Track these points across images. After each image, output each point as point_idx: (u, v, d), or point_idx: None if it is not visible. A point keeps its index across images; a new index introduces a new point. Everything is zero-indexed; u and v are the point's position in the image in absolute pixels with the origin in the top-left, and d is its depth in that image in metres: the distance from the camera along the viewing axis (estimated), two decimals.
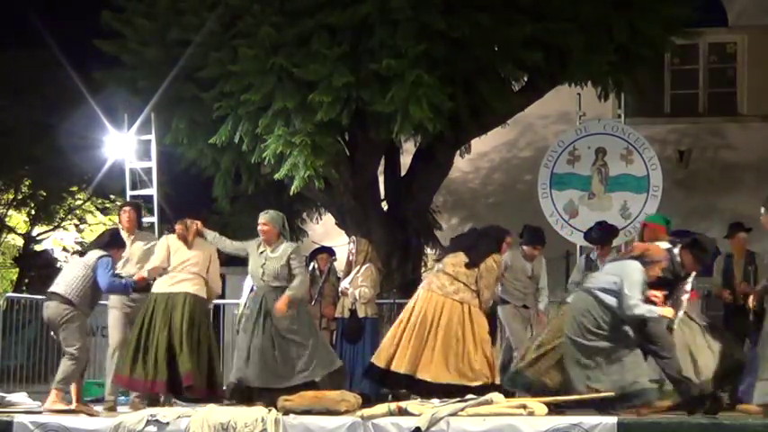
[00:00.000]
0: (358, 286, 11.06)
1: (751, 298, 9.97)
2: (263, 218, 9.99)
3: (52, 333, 9.73)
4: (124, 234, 10.09)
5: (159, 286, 9.98)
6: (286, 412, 8.68)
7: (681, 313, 9.22)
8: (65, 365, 9.48)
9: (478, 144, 15.13)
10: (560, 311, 9.34)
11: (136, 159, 12.63)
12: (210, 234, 10.21)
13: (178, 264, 9.99)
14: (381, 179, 14.18)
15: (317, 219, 16.87)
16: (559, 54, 12.42)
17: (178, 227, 10.08)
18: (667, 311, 8.78)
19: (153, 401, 9.78)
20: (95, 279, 9.61)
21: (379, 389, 10.73)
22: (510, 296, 10.81)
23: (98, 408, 9.78)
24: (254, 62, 12.16)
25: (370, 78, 11.98)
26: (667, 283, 9.06)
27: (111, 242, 9.96)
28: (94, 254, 9.72)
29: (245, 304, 11.44)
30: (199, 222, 10.18)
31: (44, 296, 9.81)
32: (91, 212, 20.93)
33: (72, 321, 9.52)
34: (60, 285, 9.60)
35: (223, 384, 10.18)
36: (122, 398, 10.63)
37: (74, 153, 16.87)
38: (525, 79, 13.32)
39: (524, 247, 10.77)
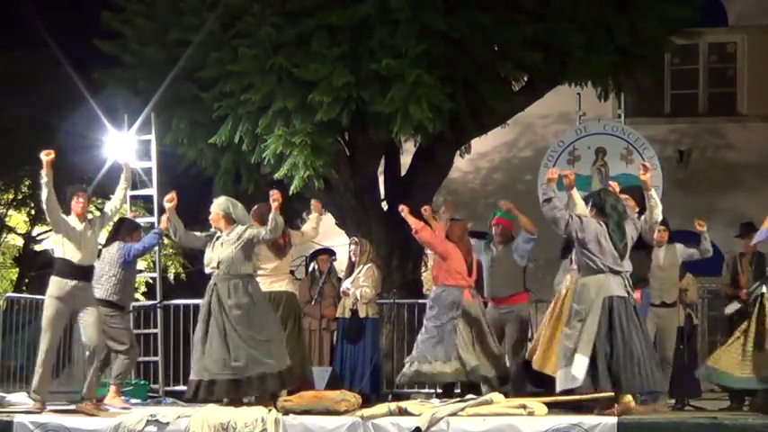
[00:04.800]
0: (359, 286, 11.06)
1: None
2: (212, 207, 9.67)
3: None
4: (76, 220, 9.78)
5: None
6: (286, 412, 8.68)
7: None
8: (120, 364, 10.11)
9: (478, 144, 15.13)
10: None
11: (136, 159, 12.62)
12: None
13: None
14: (381, 179, 14.18)
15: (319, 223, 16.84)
16: (559, 54, 12.43)
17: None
18: None
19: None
20: (125, 271, 10.14)
21: (379, 389, 10.75)
22: None
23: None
24: (254, 62, 12.16)
25: (370, 78, 11.98)
26: None
27: (121, 231, 10.41)
28: (113, 248, 10.26)
29: None
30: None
31: (44, 296, 9.86)
32: (91, 212, 20.88)
33: (117, 322, 10.05)
34: (98, 290, 9.96)
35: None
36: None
37: (74, 153, 16.84)
38: (525, 79, 13.32)
39: None
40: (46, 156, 9.51)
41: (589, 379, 8.53)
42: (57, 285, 9.58)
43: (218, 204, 9.57)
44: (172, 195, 9.61)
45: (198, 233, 9.84)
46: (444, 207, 10.87)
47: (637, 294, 9.21)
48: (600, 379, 8.52)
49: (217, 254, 9.41)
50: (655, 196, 9.19)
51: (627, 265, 8.83)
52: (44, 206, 9.67)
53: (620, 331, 8.60)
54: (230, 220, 9.49)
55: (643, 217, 9.19)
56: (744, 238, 11.17)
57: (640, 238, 9.11)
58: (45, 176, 9.54)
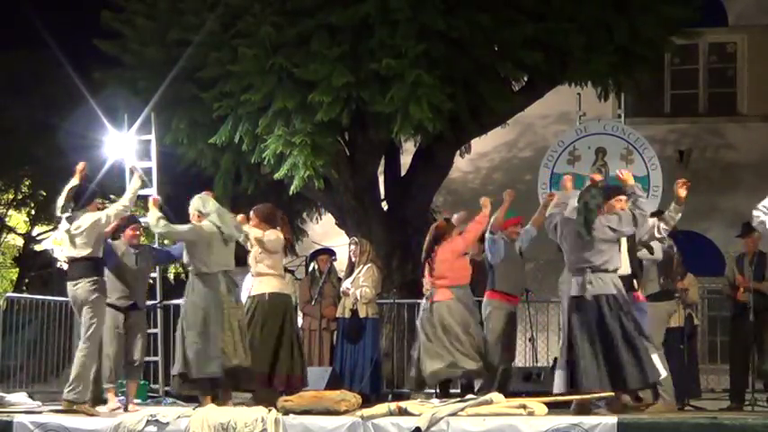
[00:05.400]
0: (359, 286, 11.07)
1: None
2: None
3: None
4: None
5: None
6: (286, 412, 8.68)
7: None
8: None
9: (478, 144, 15.13)
10: None
11: (136, 159, 12.61)
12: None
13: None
14: (381, 179, 14.18)
15: (317, 219, 16.87)
16: (559, 54, 12.44)
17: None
18: None
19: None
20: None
21: (379, 389, 10.75)
22: None
23: (101, 408, 9.78)
24: (254, 62, 12.17)
25: (370, 78, 11.99)
26: None
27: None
28: None
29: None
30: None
31: (44, 296, 9.86)
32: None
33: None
34: None
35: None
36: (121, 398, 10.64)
37: (74, 153, 16.81)
38: (525, 79, 13.33)
39: None
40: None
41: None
42: (102, 285, 9.58)
43: (192, 204, 9.75)
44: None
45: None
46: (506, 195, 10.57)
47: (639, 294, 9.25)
48: (587, 380, 8.61)
49: None
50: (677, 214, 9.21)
51: (596, 260, 8.73)
52: (120, 212, 9.74)
53: (579, 332, 8.68)
54: (202, 219, 9.66)
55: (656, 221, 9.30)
56: (745, 237, 11.17)
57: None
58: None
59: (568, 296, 8.83)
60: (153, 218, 9.61)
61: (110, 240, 10.13)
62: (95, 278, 9.48)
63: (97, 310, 9.47)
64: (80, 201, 9.64)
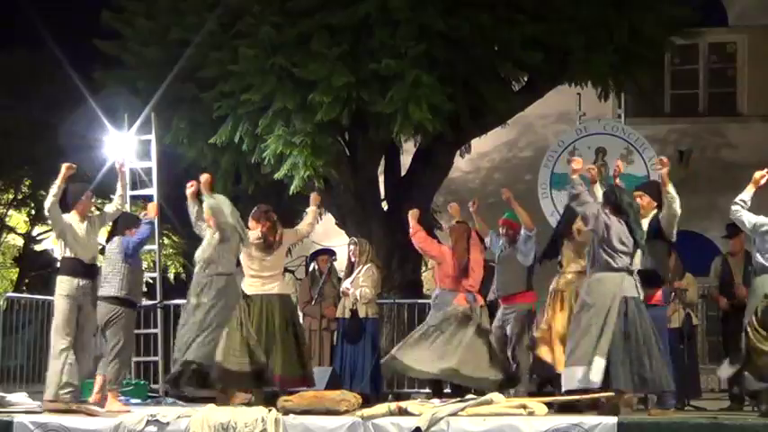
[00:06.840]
0: (359, 286, 11.06)
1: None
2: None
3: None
4: (77, 219, 9.83)
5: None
6: (286, 412, 8.68)
7: None
8: (111, 370, 9.91)
9: (478, 144, 15.13)
10: None
11: (136, 159, 12.62)
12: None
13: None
14: (381, 179, 14.18)
15: (317, 219, 16.85)
16: (559, 54, 12.44)
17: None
18: None
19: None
20: (130, 266, 10.01)
21: (379, 389, 10.76)
22: None
23: (97, 408, 9.77)
24: (254, 62, 12.17)
25: (370, 78, 11.99)
26: None
27: (120, 225, 10.22)
28: (113, 244, 10.11)
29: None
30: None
31: (44, 296, 9.88)
32: (90, 211, 20.85)
33: (119, 318, 9.98)
34: (106, 288, 9.92)
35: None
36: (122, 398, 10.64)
37: (74, 153, 16.82)
38: (525, 79, 13.33)
39: None
40: (67, 169, 9.67)
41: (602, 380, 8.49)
42: (67, 284, 9.65)
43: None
44: (194, 182, 9.94)
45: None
46: (450, 210, 10.84)
47: (659, 294, 9.19)
48: (619, 380, 8.43)
49: None
50: (671, 190, 9.16)
51: (639, 264, 8.73)
52: (47, 213, 9.78)
53: (641, 332, 8.51)
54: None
55: (661, 213, 9.18)
56: (731, 238, 11.14)
57: (660, 234, 9.07)
58: (57, 187, 9.65)
59: (621, 296, 8.58)
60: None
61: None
62: (67, 278, 9.66)
63: (60, 311, 9.62)
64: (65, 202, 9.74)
